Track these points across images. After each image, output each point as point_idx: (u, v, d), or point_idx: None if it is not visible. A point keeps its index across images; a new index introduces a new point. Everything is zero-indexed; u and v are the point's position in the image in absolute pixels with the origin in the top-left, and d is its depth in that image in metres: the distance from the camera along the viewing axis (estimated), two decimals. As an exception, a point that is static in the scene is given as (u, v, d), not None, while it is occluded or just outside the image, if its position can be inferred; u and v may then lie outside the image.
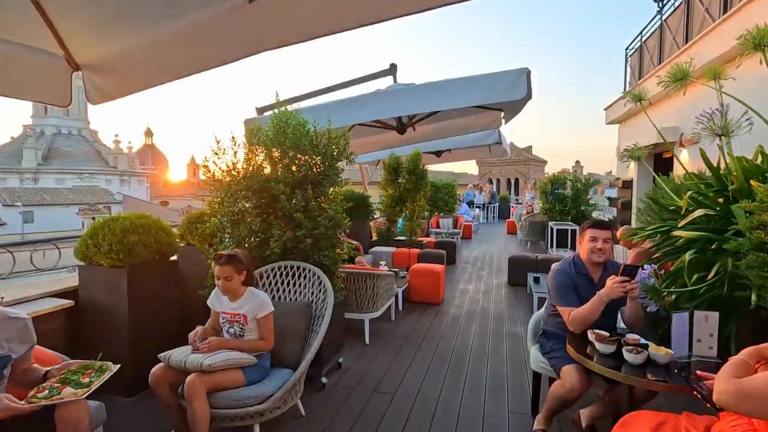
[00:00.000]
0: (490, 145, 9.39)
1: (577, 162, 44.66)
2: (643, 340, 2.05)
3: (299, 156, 3.08)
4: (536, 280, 5.31)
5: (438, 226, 11.10)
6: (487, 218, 18.13)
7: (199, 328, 2.42)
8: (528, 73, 3.84)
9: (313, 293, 2.86)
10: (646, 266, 2.52)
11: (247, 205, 3.11)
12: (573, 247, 8.81)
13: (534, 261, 6.25)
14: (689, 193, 2.38)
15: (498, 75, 3.92)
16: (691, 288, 2.10)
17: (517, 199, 23.76)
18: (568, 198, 9.40)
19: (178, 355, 2.23)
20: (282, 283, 2.96)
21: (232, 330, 2.49)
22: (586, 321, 2.22)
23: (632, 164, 7.71)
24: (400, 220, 8.06)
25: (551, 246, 9.11)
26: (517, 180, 35.65)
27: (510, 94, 3.84)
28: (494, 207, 18.59)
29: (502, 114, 6.65)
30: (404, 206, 7.68)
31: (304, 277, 2.93)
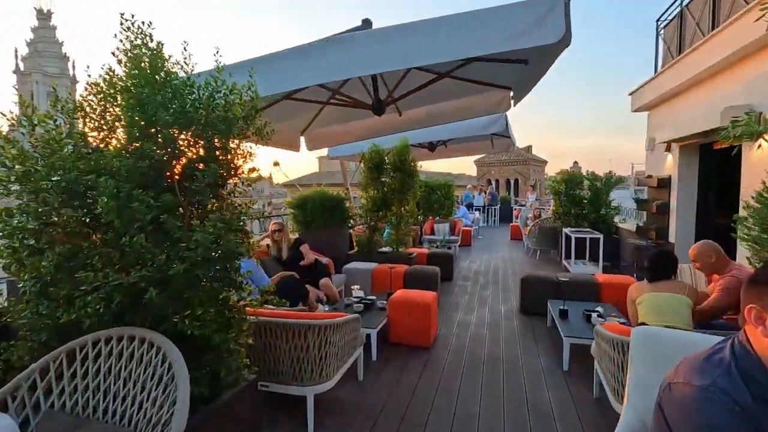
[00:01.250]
0: (493, 136, 7.97)
1: (575, 163, 42.94)
2: None
3: (151, 126, 1.62)
4: (563, 315, 3.86)
5: (432, 233, 9.64)
6: (487, 222, 16.69)
7: None
8: (566, 2, 2.41)
9: (155, 400, 1.40)
10: None
11: (54, 217, 1.64)
12: (593, 259, 7.38)
13: (555, 284, 4.79)
14: None
15: (517, 6, 2.48)
16: None
17: (516, 201, 22.34)
18: (585, 200, 7.96)
19: None
20: (99, 376, 1.50)
21: None
22: None
23: (669, 158, 6.28)
24: (387, 228, 6.60)
25: (567, 257, 7.67)
26: (516, 180, 34.35)
27: (537, 34, 2.39)
28: (495, 209, 17.14)
29: (511, 94, 5.24)
30: (389, 211, 6.23)
31: (147, 364, 1.47)
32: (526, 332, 4.31)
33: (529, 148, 35.63)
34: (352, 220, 6.55)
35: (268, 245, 4.91)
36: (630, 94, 7.40)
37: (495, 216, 17.05)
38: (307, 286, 4.51)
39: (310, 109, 5.26)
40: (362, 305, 4.01)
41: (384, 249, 6.40)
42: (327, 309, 3.93)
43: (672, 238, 6.06)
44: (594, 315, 3.77)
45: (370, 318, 3.81)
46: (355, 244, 6.60)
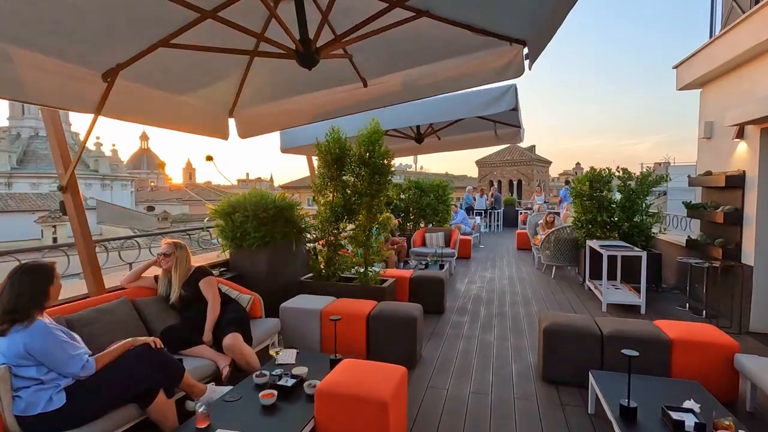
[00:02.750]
0: (497, 124, 6.26)
1: (578, 164, 41.21)
2: None
3: None
4: (629, 417, 2.15)
5: (423, 244, 7.94)
6: (489, 227, 14.96)
7: None
8: None
9: None
10: None
11: None
12: (628, 280, 5.69)
13: (596, 339, 3.08)
14: None
15: None
16: None
17: (520, 203, 20.63)
18: (615, 205, 6.24)
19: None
20: None
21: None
22: None
23: (742, 147, 4.57)
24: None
25: (593, 277, 5.96)
26: (519, 182, 32.82)
27: None
28: (498, 213, 15.41)
29: (525, 50, 3.56)
30: (354, 221, 4.53)
31: None
32: (557, 428, 2.59)
33: (532, 148, 34.13)
34: (308, 234, 4.85)
35: (156, 277, 3.22)
36: (675, 67, 5.70)
37: (498, 220, 15.34)
38: (196, 349, 2.82)
39: (225, 75, 3.57)
40: (275, 393, 2.32)
41: (347, 275, 4.68)
42: (202, 409, 2.18)
43: (748, 259, 4.35)
44: (687, 422, 2.06)
45: (285, 418, 2.11)
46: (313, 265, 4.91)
